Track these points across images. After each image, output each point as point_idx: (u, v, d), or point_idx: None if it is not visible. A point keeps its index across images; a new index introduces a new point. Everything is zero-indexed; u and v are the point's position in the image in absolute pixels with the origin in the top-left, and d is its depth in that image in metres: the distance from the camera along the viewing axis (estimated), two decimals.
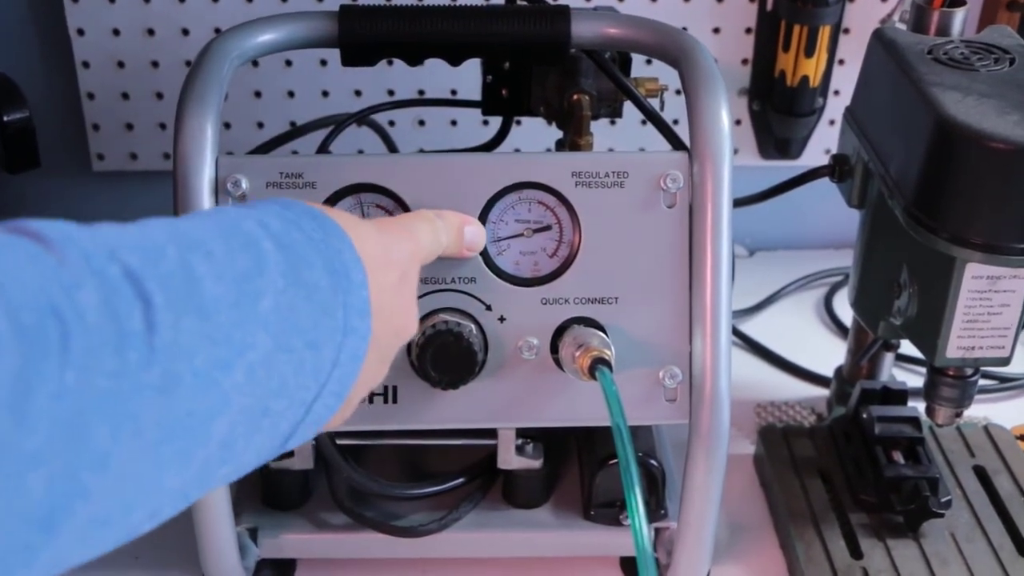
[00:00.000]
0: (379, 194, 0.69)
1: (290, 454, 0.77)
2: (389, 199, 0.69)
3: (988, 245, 0.69)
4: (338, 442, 0.76)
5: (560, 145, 0.87)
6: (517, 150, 1.13)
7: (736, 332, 1.10)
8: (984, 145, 0.66)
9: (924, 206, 0.71)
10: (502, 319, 0.70)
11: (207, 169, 0.67)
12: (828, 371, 1.01)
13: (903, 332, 0.80)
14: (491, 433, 0.77)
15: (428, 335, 0.67)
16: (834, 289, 1.18)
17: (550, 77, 0.84)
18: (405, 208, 0.69)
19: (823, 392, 1.03)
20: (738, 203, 0.92)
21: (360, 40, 0.73)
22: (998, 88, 0.71)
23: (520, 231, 0.70)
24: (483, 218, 0.69)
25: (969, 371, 0.78)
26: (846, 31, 1.11)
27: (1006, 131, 0.66)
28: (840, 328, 1.12)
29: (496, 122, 0.92)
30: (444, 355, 0.67)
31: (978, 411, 0.99)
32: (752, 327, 1.12)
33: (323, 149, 0.90)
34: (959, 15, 0.79)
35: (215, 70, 0.69)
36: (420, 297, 0.69)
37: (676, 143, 0.74)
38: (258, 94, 1.13)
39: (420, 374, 0.68)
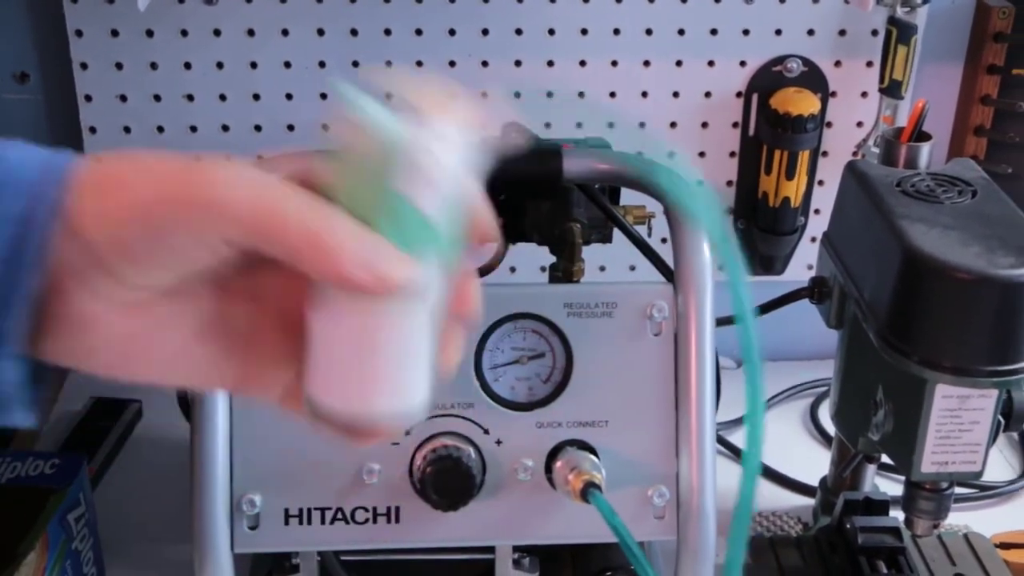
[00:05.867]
0: None
1: (296, 569, 0.80)
2: None
3: (956, 368, 0.73)
4: (342, 559, 0.79)
5: (554, 270, 0.91)
6: (512, 268, 1.18)
7: (725, 443, 1.13)
8: (949, 275, 0.71)
9: (895, 331, 0.75)
10: (499, 442, 0.73)
11: None
12: (814, 480, 1.04)
13: (881, 447, 0.83)
14: (489, 548, 0.80)
15: (429, 459, 0.71)
16: (819, 400, 1.21)
17: (544, 206, 0.89)
18: None
19: (810, 501, 1.06)
20: (725, 321, 0.96)
21: None
22: (961, 220, 0.76)
23: (516, 358, 0.74)
24: (481, 346, 0.74)
25: (944, 484, 0.82)
26: (824, 154, 1.17)
27: (968, 262, 0.71)
28: (825, 438, 1.16)
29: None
30: (444, 479, 0.70)
31: (959, 519, 1.02)
32: (741, 438, 1.15)
33: None
34: (925, 149, 0.84)
35: None
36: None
37: (663, 269, 0.79)
38: None
39: (421, 496, 0.72)
